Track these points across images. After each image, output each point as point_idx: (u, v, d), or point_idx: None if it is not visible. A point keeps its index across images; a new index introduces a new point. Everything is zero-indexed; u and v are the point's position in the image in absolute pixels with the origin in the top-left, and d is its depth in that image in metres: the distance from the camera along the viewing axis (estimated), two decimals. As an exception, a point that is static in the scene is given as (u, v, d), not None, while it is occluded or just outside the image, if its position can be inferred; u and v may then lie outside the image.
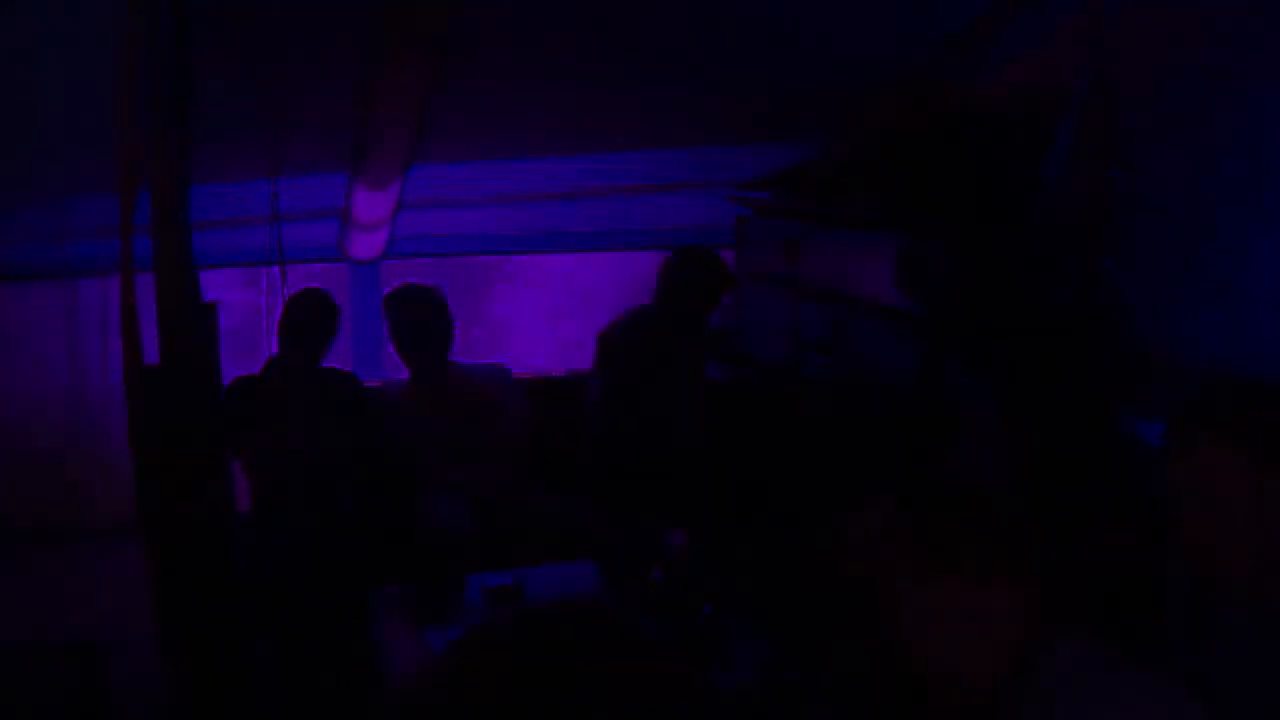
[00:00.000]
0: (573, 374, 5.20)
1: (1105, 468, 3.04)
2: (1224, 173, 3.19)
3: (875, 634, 2.39)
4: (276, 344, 4.52)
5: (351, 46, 3.83)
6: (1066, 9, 3.85)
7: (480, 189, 5.30)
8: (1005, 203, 4.20)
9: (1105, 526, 2.80)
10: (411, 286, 4.74)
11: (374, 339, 5.38)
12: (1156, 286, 3.44)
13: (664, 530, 4.02)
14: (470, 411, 4.68)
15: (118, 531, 3.65)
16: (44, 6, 3.02)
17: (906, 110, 4.66)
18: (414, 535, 4.31)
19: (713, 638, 3.45)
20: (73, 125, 3.32)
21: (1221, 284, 3.15)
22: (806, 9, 4.09)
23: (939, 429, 4.00)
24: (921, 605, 2.02)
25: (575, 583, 3.93)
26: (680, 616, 3.53)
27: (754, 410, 5.12)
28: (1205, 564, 2.22)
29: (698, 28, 4.15)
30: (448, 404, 4.67)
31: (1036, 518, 1.99)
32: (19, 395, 4.30)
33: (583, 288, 6.18)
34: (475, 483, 4.51)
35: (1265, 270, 3.02)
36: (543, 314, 6.38)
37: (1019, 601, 1.98)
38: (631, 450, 4.71)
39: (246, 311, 4.95)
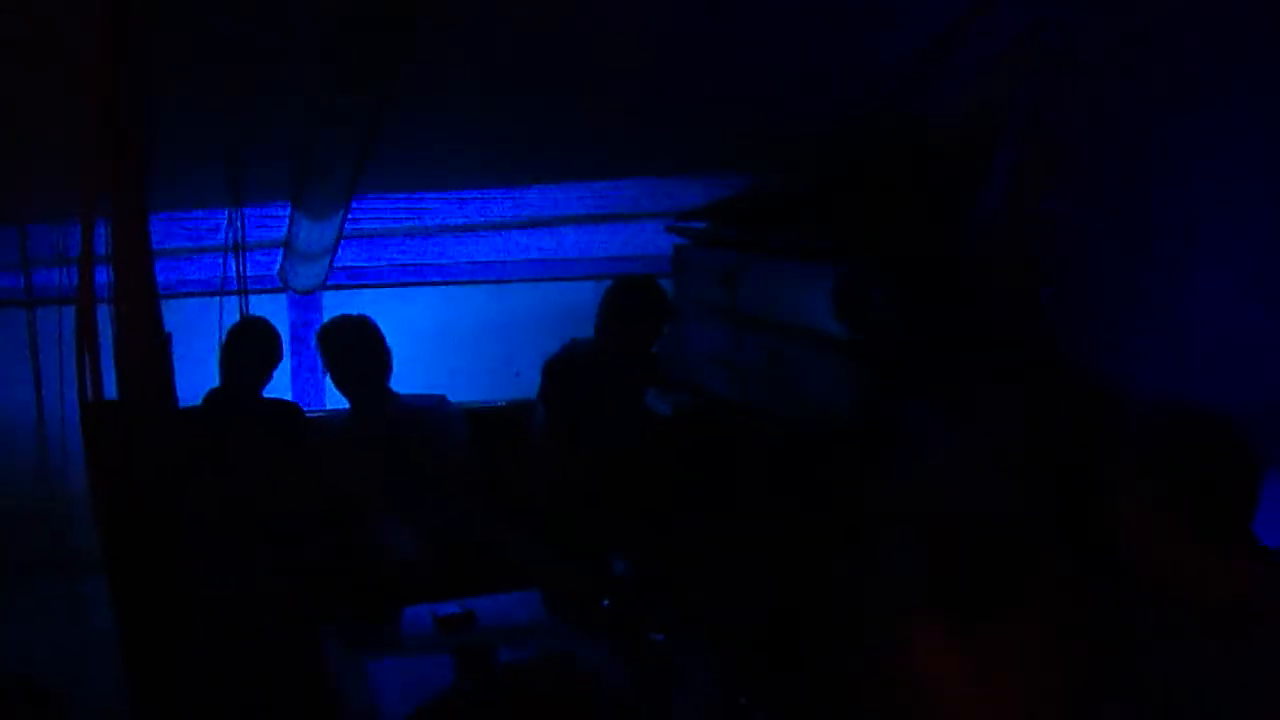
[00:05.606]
0: (514, 403, 5.21)
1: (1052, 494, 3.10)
2: (1163, 202, 3.27)
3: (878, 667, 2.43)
4: (219, 374, 4.50)
5: (301, 77, 3.82)
6: (1005, 42, 3.92)
7: (420, 220, 5.31)
8: (942, 233, 4.28)
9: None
10: (344, 319, 4.73)
11: (315, 369, 5.38)
12: (1097, 316, 3.51)
13: (610, 558, 4.04)
14: (411, 441, 4.68)
15: (79, 567, 3.59)
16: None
17: (844, 142, 4.73)
18: (360, 565, 4.30)
19: (665, 665, 3.46)
20: (32, 150, 3.29)
21: (1162, 313, 3.23)
22: (744, 43, 4.14)
23: (877, 451, 4.05)
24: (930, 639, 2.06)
25: (524, 611, 3.94)
26: (631, 644, 3.55)
27: (697, 437, 5.16)
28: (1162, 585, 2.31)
29: (633, 62, 4.18)
30: (388, 434, 4.67)
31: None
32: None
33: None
34: (420, 512, 4.51)
35: (1205, 299, 3.11)
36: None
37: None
38: (576, 478, 4.73)
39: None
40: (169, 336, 3.25)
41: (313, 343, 5.07)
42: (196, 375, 4.55)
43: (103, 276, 2.88)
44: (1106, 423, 2.90)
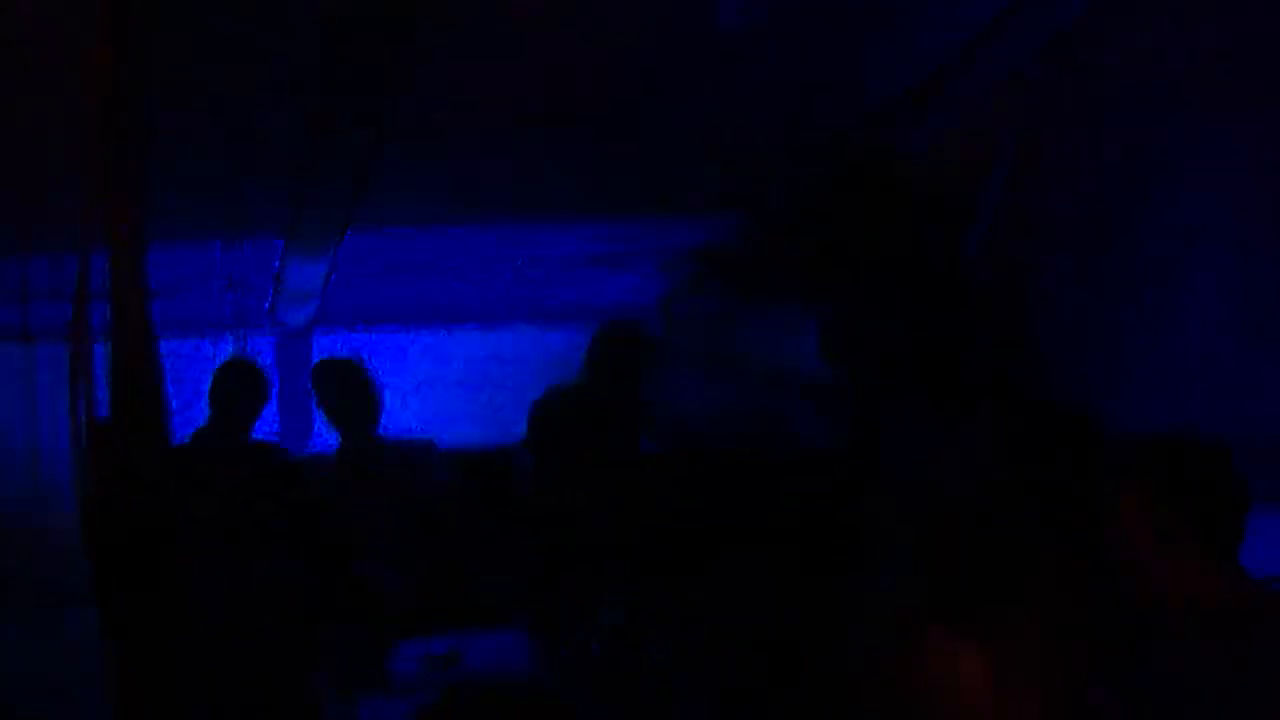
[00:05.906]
0: (502, 448, 5.19)
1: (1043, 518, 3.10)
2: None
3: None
4: (205, 414, 4.49)
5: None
6: (990, 83, 3.98)
7: (412, 262, 5.33)
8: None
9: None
10: (336, 360, 4.73)
11: (305, 409, 5.36)
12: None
13: (601, 603, 4.02)
14: (399, 484, 4.68)
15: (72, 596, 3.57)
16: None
17: (833, 183, 4.77)
18: (347, 605, 4.27)
19: (657, 710, 3.42)
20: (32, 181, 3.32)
21: (1150, 347, 3.25)
22: (734, 83, 4.19)
23: (864, 485, 4.05)
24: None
25: (512, 652, 3.91)
26: (622, 689, 3.51)
27: (686, 484, 5.14)
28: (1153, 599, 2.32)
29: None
30: (376, 477, 4.66)
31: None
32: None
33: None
34: (408, 554, 4.48)
35: (1192, 336, 3.14)
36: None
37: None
38: (564, 523, 4.70)
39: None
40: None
41: (302, 383, 5.07)
42: (184, 414, 4.54)
43: (98, 309, 2.88)
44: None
